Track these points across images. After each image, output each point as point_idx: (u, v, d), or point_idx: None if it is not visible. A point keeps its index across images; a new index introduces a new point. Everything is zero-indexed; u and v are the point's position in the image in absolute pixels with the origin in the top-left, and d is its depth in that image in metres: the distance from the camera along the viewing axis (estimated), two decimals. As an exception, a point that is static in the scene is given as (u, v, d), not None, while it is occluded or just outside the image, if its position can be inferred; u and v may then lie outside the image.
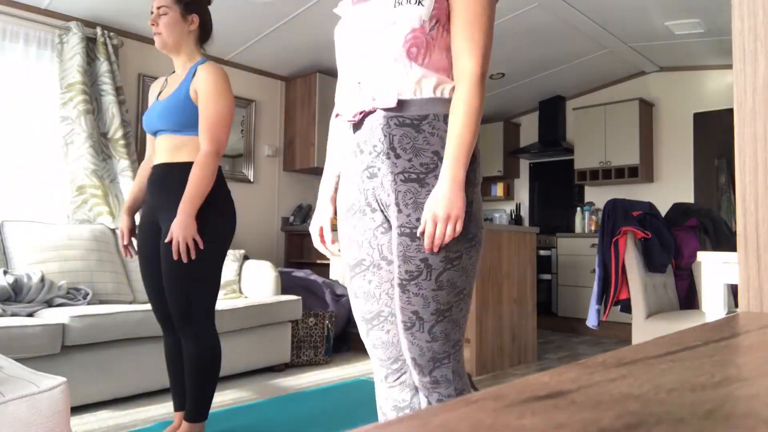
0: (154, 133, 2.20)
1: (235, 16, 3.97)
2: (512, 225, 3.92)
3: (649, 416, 0.25)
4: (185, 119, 2.11)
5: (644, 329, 2.88)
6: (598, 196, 5.87)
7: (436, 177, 1.26)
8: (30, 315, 2.79)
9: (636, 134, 5.33)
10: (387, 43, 1.30)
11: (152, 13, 2.17)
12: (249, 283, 3.83)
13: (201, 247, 2.03)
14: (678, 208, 3.41)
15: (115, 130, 3.80)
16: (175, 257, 2.01)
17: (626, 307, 3.07)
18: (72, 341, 2.64)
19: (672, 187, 5.40)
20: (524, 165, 6.46)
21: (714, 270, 1.91)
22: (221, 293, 3.70)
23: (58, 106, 3.65)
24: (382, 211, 1.35)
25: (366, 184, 1.35)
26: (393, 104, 1.28)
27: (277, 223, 5.03)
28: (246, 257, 4.05)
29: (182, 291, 2.06)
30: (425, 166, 1.27)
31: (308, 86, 4.94)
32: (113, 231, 3.58)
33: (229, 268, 3.83)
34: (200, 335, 2.11)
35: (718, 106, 5.19)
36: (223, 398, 2.97)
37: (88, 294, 3.09)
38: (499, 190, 6.45)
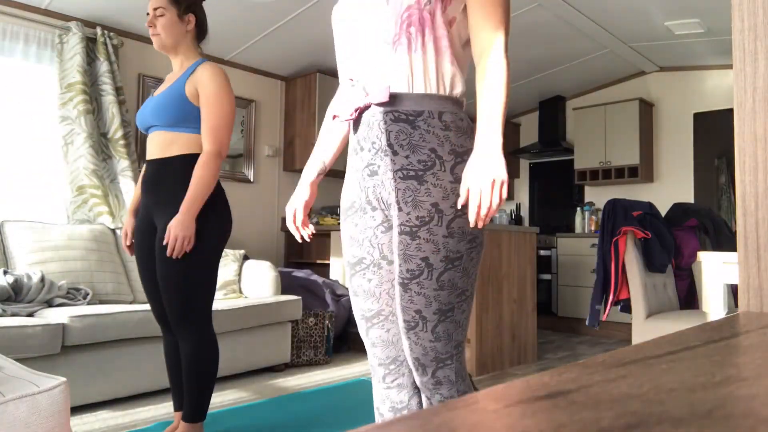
0: (146, 129, 2.20)
1: (235, 16, 3.97)
2: (512, 225, 3.92)
3: (649, 416, 0.25)
4: (178, 115, 2.10)
5: (644, 329, 2.88)
6: (598, 196, 5.87)
7: (434, 175, 1.25)
8: (30, 315, 2.79)
9: (636, 134, 5.33)
10: (380, 26, 1.28)
11: (148, 15, 2.18)
12: (249, 283, 3.83)
13: (188, 250, 2.03)
14: (678, 208, 3.41)
15: (115, 130, 3.79)
16: (168, 254, 2.01)
17: (626, 307, 3.07)
18: (72, 341, 2.64)
19: (672, 187, 5.40)
20: (524, 165, 6.46)
21: (714, 270, 1.91)
22: (221, 293, 3.70)
23: (57, 106, 3.65)
24: (382, 209, 1.34)
25: (367, 182, 1.34)
26: (386, 98, 1.26)
27: (277, 223, 5.03)
28: (246, 257, 4.05)
29: (178, 291, 2.06)
30: (423, 164, 1.26)
31: (308, 86, 4.94)
32: (113, 231, 3.58)
33: (229, 268, 3.83)
34: (197, 335, 2.11)
35: (718, 106, 5.19)
36: (223, 398, 2.97)
37: (88, 294, 3.09)
38: (499, 190, 6.44)
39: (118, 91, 3.85)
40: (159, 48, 2.19)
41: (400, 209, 1.27)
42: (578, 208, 5.75)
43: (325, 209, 5.18)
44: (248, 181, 4.82)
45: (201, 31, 2.27)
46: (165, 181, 2.11)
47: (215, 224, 2.13)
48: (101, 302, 3.18)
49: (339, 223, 4.79)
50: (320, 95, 4.87)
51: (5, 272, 2.88)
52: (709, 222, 3.36)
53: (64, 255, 3.19)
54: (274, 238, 5.00)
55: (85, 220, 3.62)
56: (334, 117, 1.53)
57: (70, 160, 3.64)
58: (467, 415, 0.26)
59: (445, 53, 1.29)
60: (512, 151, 6.20)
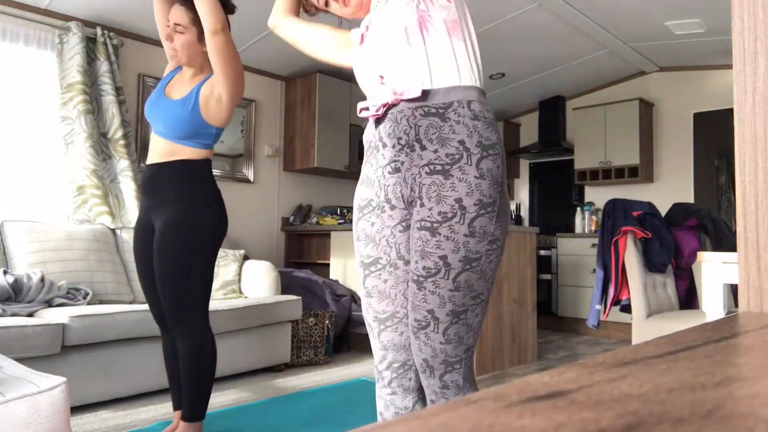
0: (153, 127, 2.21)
1: (234, 16, 3.96)
2: (512, 225, 3.92)
3: (649, 416, 0.25)
4: (191, 130, 2.12)
5: (644, 329, 2.88)
6: (598, 196, 5.87)
7: (461, 169, 1.23)
8: (30, 315, 2.79)
9: (636, 134, 5.33)
10: (394, 25, 1.30)
11: (168, 26, 2.15)
12: (249, 283, 3.83)
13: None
14: (678, 208, 3.41)
15: (115, 130, 3.80)
16: None
17: (626, 307, 3.07)
18: (72, 341, 2.64)
19: (672, 187, 5.40)
20: (524, 165, 6.46)
21: (714, 270, 1.91)
22: (221, 293, 3.70)
23: (58, 106, 3.65)
24: (402, 208, 1.32)
25: (387, 180, 1.32)
26: (418, 94, 1.26)
27: (277, 223, 5.03)
28: (246, 257, 4.05)
29: (174, 289, 2.06)
30: (450, 157, 1.24)
31: (308, 86, 4.94)
32: (113, 231, 3.58)
33: (229, 268, 3.83)
34: (194, 333, 2.11)
35: (718, 106, 5.18)
36: (223, 398, 2.97)
37: (88, 294, 3.09)
38: (499, 190, 6.44)
39: (118, 91, 3.85)
40: (171, 59, 2.19)
41: (422, 204, 1.26)
42: (578, 208, 5.75)
43: (325, 209, 5.18)
44: (248, 181, 4.82)
45: None
46: (163, 182, 2.12)
47: (210, 222, 2.13)
48: (101, 302, 3.18)
49: (339, 223, 4.79)
50: (320, 95, 4.87)
51: (5, 272, 2.88)
52: (709, 222, 3.36)
53: (64, 255, 3.19)
54: (274, 238, 5.00)
55: (85, 220, 3.62)
56: (361, 110, 1.53)
57: (70, 160, 3.64)
58: (467, 415, 0.26)
59: (459, 45, 1.30)
60: (512, 151, 6.20)
